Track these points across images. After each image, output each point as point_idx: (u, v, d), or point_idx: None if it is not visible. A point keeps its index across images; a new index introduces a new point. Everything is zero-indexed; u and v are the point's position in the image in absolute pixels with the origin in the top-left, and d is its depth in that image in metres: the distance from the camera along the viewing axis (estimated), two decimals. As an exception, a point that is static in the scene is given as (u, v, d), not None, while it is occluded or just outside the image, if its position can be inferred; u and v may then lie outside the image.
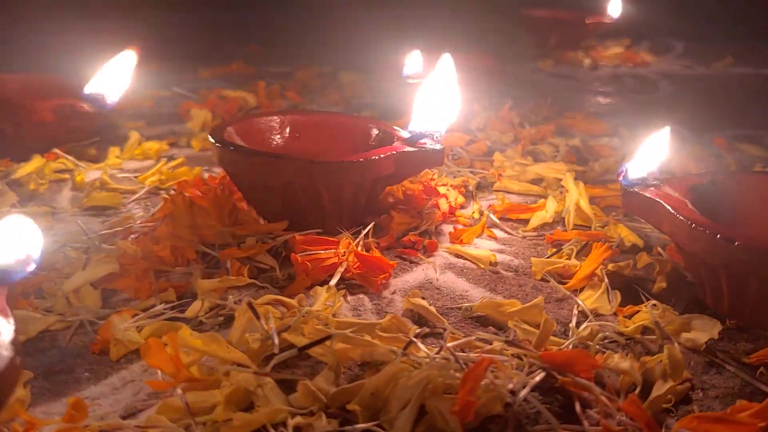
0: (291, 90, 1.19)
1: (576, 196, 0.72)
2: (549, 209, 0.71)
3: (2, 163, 0.80)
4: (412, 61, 0.96)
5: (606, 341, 0.51)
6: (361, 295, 0.56)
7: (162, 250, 0.58)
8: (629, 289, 0.58)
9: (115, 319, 0.48)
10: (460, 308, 0.55)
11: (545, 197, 0.76)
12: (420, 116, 0.65)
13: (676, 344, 0.50)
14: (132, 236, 0.62)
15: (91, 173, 0.80)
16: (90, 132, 0.87)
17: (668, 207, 0.54)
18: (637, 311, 0.54)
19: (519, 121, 1.01)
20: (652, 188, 0.58)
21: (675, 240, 0.55)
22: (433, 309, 0.53)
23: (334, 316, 0.50)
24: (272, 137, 0.72)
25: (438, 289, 0.58)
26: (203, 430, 0.40)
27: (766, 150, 0.98)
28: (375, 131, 0.70)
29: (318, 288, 0.54)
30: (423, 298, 0.55)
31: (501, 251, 0.66)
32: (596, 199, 0.76)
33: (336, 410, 0.41)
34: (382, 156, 0.62)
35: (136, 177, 0.80)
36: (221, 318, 0.52)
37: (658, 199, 0.56)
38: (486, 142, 0.92)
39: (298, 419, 0.40)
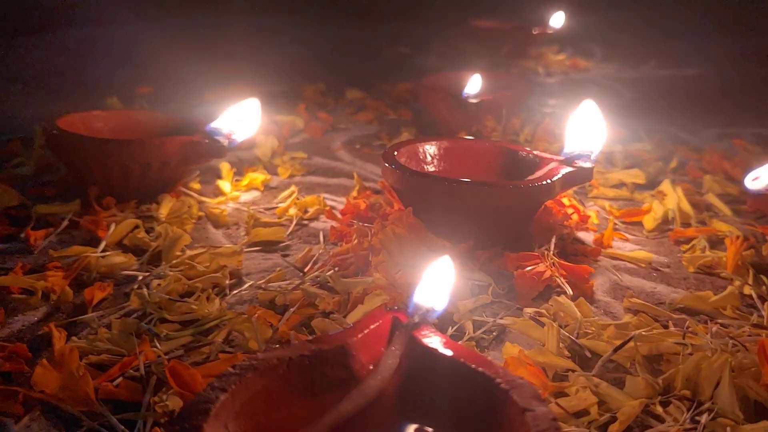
0: (321, 111, 1.23)
1: (676, 198, 0.84)
2: (657, 211, 0.83)
3: (130, 205, 0.79)
4: (474, 82, 1.05)
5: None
6: (581, 299, 0.65)
7: (400, 277, 0.63)
8: (763, 270, 0.71)
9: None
10: (663, 303, 0.65)
11: (631, 200, 0.89)
12: (573, 140, 0.74)
13: None
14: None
15: (216, 207, 0.82)
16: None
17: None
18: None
19: (558, 131, 1.12)
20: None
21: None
22: (652, 305, 0.63)
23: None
24: (431, 163, 0.78)
25: (629, 288, 0.68)
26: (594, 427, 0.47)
27: (763, 145, 1.16)
28: (522, 154, 0.79)
29: (559, 298, 0.62)
30: (626, 296, 0.65)
31: (640, 250, 0.77)
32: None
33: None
34: (550, 181, 0.70)
35: (268, 209, 0.83)
36: (493, 334, 0.59)
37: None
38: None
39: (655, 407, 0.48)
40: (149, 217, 0.77)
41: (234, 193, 0.86)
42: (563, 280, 0.65)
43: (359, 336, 0.43)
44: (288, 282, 0.65)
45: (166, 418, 0.46)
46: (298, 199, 0.84)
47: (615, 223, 0.82)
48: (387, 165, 0.72)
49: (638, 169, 0.98)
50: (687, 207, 0.84)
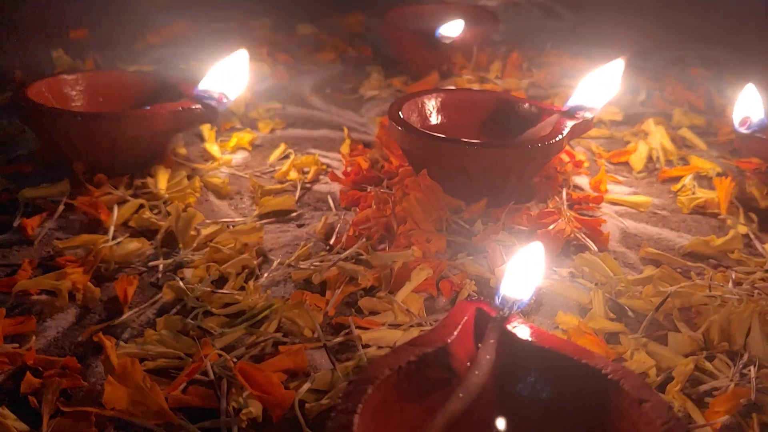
0: (280, 51, 1.19)
1: (659, 137, 0.88)
2: (642, 150, 0.87)
3: (122, 181, 0.75)
4: (452, 25, 1.03)
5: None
6: (605, 254, 0.68)
7: (432, 245, 0.64)
8: (750, 208, 0.76)
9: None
10: (672, 249, 0.69)
11: (612, 138, 0.92)
12: (580, 93, 0.76)
13: None
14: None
15: (215, 175, 0.79)
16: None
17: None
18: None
19: (526, 65, 1.13)
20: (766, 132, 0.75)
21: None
22: (667, 254, 0.67)
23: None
24: (433, 116, 0.78)
25: (636, 235, 0.72)
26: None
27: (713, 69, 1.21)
28: (523, 106, 0.79)
29: (585, 255, 0.64)
30: (638, 246, 0.69)
31: (636, 193, 0.80)
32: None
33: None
34: (561, 137, 0.71)
35: (265, 173, 0.81)
36: (533, 298, 0.61)
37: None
38: (522, 92, 1.03)
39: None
40: (147, 193, 0.74)
41: (226, 157, 0.83)
42: (584, 236, 0.68)
43: (455, 333, 0.44)
44: (319, 259, 0.64)
45: (247, 423, 0.46)
46: (295, 158, 0.82)
47: (605, 166, 0.85)
48: (398, 127, 0.71)
49: (611, 104, 1.00)
50: (669, 145, 0.88)
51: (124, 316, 0.57)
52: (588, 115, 0.75)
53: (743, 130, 0.76)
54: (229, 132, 0.91)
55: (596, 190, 0.80)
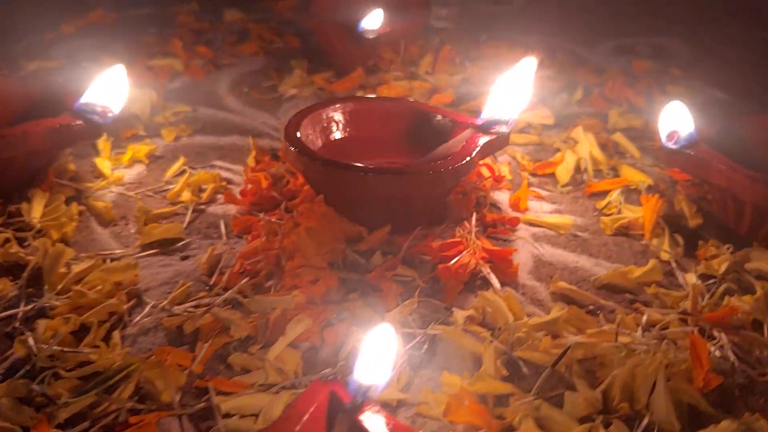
0: (200, 43, 1.11)
1: (588, 146, 0.82)
2: (569, 161, 0.81)
3: (-7, 206, 0.68)
4: (374, 16, 0.96)
5: (706, 284, 0.64)
6: (507, 288, 0.62)
7: (318, 287, 0.58)
8: (677, 227, 0.71)
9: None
10: (587, 280, 0.64)
11: (541, 144, 0.86)
12: (493, 105, 0.69)
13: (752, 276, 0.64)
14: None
15: (101, 197, 0.73)
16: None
17: (723, 166, 0.67)
18: (714, 254, 0.67)
19: (459, 59, 1.07)
20: (693, 147, 0.70)
21: (731, 189, 0.68)
22: (576, 288, 0.62)
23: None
24: (338, 130, 0.72)
25: (551, 264, 0.67)
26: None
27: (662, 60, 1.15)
28: (436, 118, 0.73)
29: (487, 294, 0.59)
30: (550, 277, 0.63)
31: (557, 211, 0.75)
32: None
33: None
34: (470, 158, 0.65)
35: (158, 192, 0.74)
36: (425, 347, 0.55)
37: (710, 159, 0.68)
38: (452, 91, 0.97)
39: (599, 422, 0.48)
40: (20, 221, 0.67)
41: (116, 174, 0.76)
42: (488, 270, 0.62)
43: (298, 428, 0.38)
44: (195, 301, 0.58)
45: None
46: (189, 176, 0.75)
47: (528, 180, 0.79)
48: (292, 149, 0.65)
49: (545, 105, 0.94)
50: (599, 154, 0.82)
51: (-36, 380, 0.51)
52: (504, 129, 0.69)
53: (671, 145, 0.70)
54: (130, 141, 0.85)
55: (515, 208, 0.74)
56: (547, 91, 1.00)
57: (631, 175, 0.79)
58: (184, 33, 1.16)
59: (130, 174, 0.78)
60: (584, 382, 0.51)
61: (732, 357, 0.54)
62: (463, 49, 1.11)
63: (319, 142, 0.71)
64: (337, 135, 0.73)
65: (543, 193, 0.78)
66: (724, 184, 0.68)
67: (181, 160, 0.79)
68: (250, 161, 0.80)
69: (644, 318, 0.57)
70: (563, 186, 0.79)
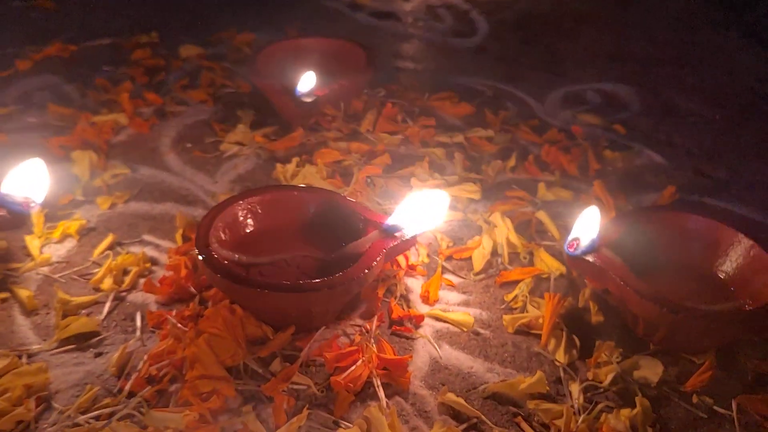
0: (150, 90, 1.12)
1: (505, 231, 0.85)
2: (486, 246, 0.84)
3: None
4: (307, 80, 0.97)
5: (591, 394, 0.67)
6: (397, 398, 0.66)
7: (213, 402, 0.62)
8: (579, 324, 0.74)
9: None
10: (476, 389, 0.68)
11: (465, 220, 0.89)
12: (401, 214, 0.72)
13: (638, 384, 0.68)
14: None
15: (29, 280, 0.76)
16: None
17: (617, 278, 0.70)
18: (604, 361, 0.70)
19: (402, 117, 1.08)
20: (594, 254, 0.73)
21: (623, 299, 0.71)
22: (464, 402, 0.65)
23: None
24: (253, 222, 0.75)
25: (447, 368, 0.70)
26: None
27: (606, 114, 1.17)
28: (350, 211, 0.76)
29: (372, 411, 0.62)
30: (442, 385, 0.67)
31: (466, 302, 0.78)
32: (507, 214, 0.89)
33: None
34: (368, 270, 0.68)
35: (83, 276, 0.78)
36: (306, 466, 0.59)
37: (605, 267, 0.71)
38: (387, 155, 0.99)
39: None
40: (-58, 313, 0.71)
41: (44, 255, 0.79)
42: (379, 383, 0.66)
43: None
44: (99, 410, 0.62)
45: None
46: (114, 259, 0.78)
47: (443, 265, 0.82)
48: (199, 258, 0.68)
49: (479, 172, 0.97)
50: (515, 239, 0.85)
51: None
52: (407, 234, 0.72)
53: (570, 252, 0.73)
54: (66, 207, 0.88)
55: (424, 299, 0.77)
56: (485, 155, 1.02)
57: (545, 262, 0.82)
58: (137, 73, 1.17)
59: (59, 251, 0.81)
60: None
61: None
62: (408, 102, 1.13)
63: (233, 238, 0.74)
64: (251, 227, 0.76)
65: (455, 280, 0.81)
66: (617, 294, 0.71)
67: (110, 237, 0.82)
68: (178, 238, 0.83)
69: None
70: (476, 274, 0.82)
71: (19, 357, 0.67)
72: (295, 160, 0.96)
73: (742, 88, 1.30)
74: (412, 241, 0.73)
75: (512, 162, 1.01)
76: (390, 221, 0.73)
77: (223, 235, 0.73)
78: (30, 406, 0.62)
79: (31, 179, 0.75)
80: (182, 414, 0.60)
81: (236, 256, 0.72)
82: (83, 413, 0.62)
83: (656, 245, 0.79)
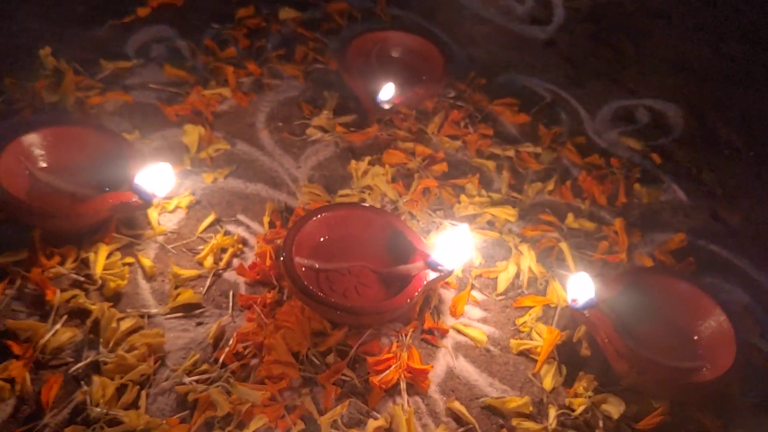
0: (251, 59, 1.29)
1: (528, 260, 1.03)
2: (510, 271, 1.02)
3: (71, 254, 0.94)
4: (388, 90, 1.12)
5: (564, 419, 0.88)
6: (416, 397, 0.88)
7: (281, 384, 0.85)
8: (569, 355, 0.94)
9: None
10: (478, 398, 0.89)
11: (499, 240, 1.07)
12: (442, 251, 0.91)
13: (601, 416, 0.88)
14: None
15: (149, 247, 0.98)
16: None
17: (603, 334, 0.89)
18: (582, 394, 0.90)
19: (465, 122, 1.23)
20: (591, 310, 0.91)
21: (605, 351, 0.90)
22: (465, 410, 0.87)
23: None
24: (325, 233, 0.96)
25: (458, 378, 0.91)
26: None
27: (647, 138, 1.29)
28: (404, 237, 0.95)
29: (396, 409, 0.85)
30: (452, 392, 0.89)
31: (485, 320, 0.98)
32: (535, 239, 1.07)
33: None
34: (410, 299, 0.88)
35: (190, 250, 0.99)
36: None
37: (596, 323, 0.90)
38: (445, 164, 1.15)
39: None
40: (86, 274, 0.93)
41: (161, 227, 1.00)
42: (404, 385, 0.88)
43: None
44: (199, 375, 0.85)
45: None
46: (215, 239, 0.99)
47: (473, 285, 1.01)
48: (284, 270, 0.88)
49: (520, 192, 1.13)
50: (535, 268, 1.03)
51: (45, 419, 0.80)
52: (447, 269, 0.91)
53: (573, 305, 0.91)
54: (178, 175, 1.08)
55: (452, 312, 0.97)
56: (530, 172, 1.18)
57: (556, 292, 1.01)
58: (239, 35, 1.33)
59: (172, 221, 1.02)
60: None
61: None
62: (473, 104, 1.27)
63: (310, 244, 0.94)
64: (326, 236, 0.96)
65: (479, 297, 1.00)
66: (602, 345, 0.90)
67: (212, 216, 1.03)
68: (265, 223, 1.03)
69: None
70: (498, 294, 1.01)
71: (142, 317, 0.90)
72: (366, 158, 1.13)
73: (788, 122, 1.39)
74: (447, 275, 0.92)
75: (551, 186, 1.16)
76: (433, 256, 0.91)
77: (302, 243, 0.92)
78: (150, 363, 0.85)
79: (158, 178, 0.94)
80: (260, 392, 0.83)
81: (307, 261, 0.92)
82: (188, 374, 0.85)
83: (648, 303, 0.97)
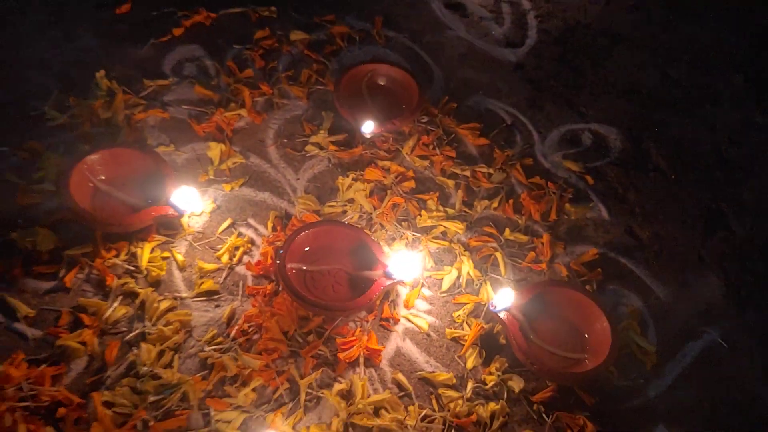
0: (264, 80, 1.58)
1: (468, 267, 1.34)
2: (453, 274, 1.34)
3: (124, 248, 1.27)
4: (369, 125, 1.42)
5: (478, 390, 1.22)
6: (371, 369, 1.22)
7: (274, 355, 1.19)
8: (493, 341, 1.27)
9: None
10: (416, 371, 1.23)
11: (449, 248, 1.38)
12: (396, 265, 1.23)
13: (507, 390, 1.22)
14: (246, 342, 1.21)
15: (181, 245, 1.31)
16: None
17: (511, 333, 1.21)
18: (491, 372, 1.24)
19: (433, 144, 1.53)
20: (505, 312, 1.23)
21: (512, 345, 1.23)
22: (405, 380, 1.21)
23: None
24: (310, 243, 1.27)
25: (404, 355, 1.25)
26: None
27: (586, 161, 1.58)
28: (369, 249, 1.27)
29: (354, 377, 1.18)
30: (398, 366, 1.22)
31: (429, 311, 1.31)
32: (478, 248, 1.38)
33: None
34: (371, 300, 1.21)
35: (211, 248, 1.32)
36: (315, 399, 1.17)
37: (507, 324, 1.22)
38: (413, 181, 1.46)
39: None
40: (135, 265, 1.26)
41: (190, 229, 1.33)
42: (362, 359, 1.21)
43: None
44: (215, 345, 1.19)
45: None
46: (230, 239, 1.32)
47: (423, 283, 1.33)
48: (279, 275, 1.21)
49: (470, 207, 1.44)
50: (473, 274, 1.35)
51: (109, 372, 1.15)
52: (398, 278, 1.23)
53: (492, 309, 1.24)
54: (203, 185, 1.39)
55: (405, 304, 1.30)
56: (481, 189, 1.48)
57: (486, 293, 1.33)
58: (256, 56, 1.61)
59: (198, 223, 1.35)
60: (375, 444, 1.13)
61: (451, 446, 1.15)
62: (443, 127, 1.56)
63: (298, 251, 1.26)
64: (310, 245, 1.28)
65: (428, 294, 1.33)
66: (510, 342, 1.23)
67: (228, 220, 1.35)
68: (269, 227, 1.35)
69: (423, 412, 1.17)
70: (442, 292, 1.33)
71: (175, 299, 1.24)
72: (351, 174, 1.44)
73: (711, 147, 1.66)
74: (400, 282, 1.24)
75: (496, 203, 1.46)
76: (390, 267, 1.23)
77: (294, 252, 1.25)
78: (181, 335, 1.20)
79: (188, 198, 1.26)
80: (258, 360, 1.17)
81: (297, 265, 1.25)
82: (208, 344, 1.20)
83: (552, 308, 1.29)
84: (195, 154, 1.44)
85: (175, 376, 1.15)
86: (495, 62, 1.76)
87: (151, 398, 1.12)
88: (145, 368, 1.15)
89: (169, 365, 1.16)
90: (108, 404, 1.10)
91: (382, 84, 1.57)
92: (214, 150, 1.43)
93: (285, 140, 1.51)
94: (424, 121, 1.57)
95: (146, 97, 1.51)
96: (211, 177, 1.42)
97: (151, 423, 1.09)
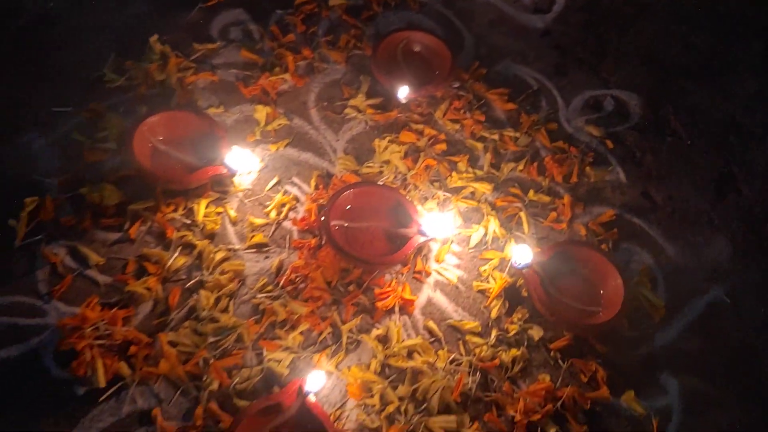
0: (306, 44, 1.67)
1: (494, 225, 1.46)
2: (480, 232, 1.46)
3: (181, 204, 1.40)
4: (403, 91, 1.52)
5: (501, 337, 1.35)
6: (404, 316, 1.35)
7: (318, 302, 1.32)
8: (516, 294, 1.39)
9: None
10: (445, 320, 1.36)
11: (477, 207, 1.50)
12: (429, 221, 1.35)
13: (527, 338, 1.35)
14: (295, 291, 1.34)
15: (233, 201, 1.44)
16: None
17: (532, 287, 1.34)
18: (513, 322, 1.37)
19: (464, 108, 1.62)
20: (528, 270, 1.35)
21: (533, 297, 1.35)
22: (436, 327, 1.34)
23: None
24: (351, 202, 1.39)
25: (434, 305, 1.38)
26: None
27: (607, 126, 1.67)
28: (406, 211, 1.39)
29: (390, 323, 1.32)
30: (429, 314, 1.36)
31: (458, 266, 1.43)
32: (503, 207, 1.50)
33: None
34: (406, 256, 1.33)
35: (260, 204, 1.44)
36: (355, 343, 1.31)
37: (528, 279, 1.35)
38: (444, 144, 1.56)
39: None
40: (192, 220, 1.39)
41: (240, 187, 1.45)
42: (398, 307, 1.35)
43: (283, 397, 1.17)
44: (266, 292, 1.33)
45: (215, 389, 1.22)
46: (278, 197, 1.44)
47: (452, 240, 1.45)
48: (324, 231, 1.33)
49: (497, 170, 1.55)
50: (500, 231, 1.47)
51: (172, 315, 1.29)
52: (431, 236, 1.36)
53: (515, 265, 1.36)
54: (251, 145, 1.51)
55: (437, 259, 1.42)
56: (508, 153, 1.59)
57: (509, 251, 1.45)
58: (297, 20, 1.70)
59: (248, 180, 1.47)
60: (408, 383, 1.27)
61: (474, 385, 1.29)
62: (473, 93, 1.65)
63: (340, 209, 1.38)
64: (351, 204, 1.40)
65: (457, 249, 1.45)
66: (531, 294, 1.36)
67: (275, 178, 1.47)
68: (312, 185, 1.47)
69: (452, 356, 1.31)
70: (470, 248, 1.45)
71: (229, 251, 1.37)
72: (387, 137, 1.55)
73: (726, 115, 1.75)
74: (432, 240, 1.36)
75: (521, 166, 1.57)
76: (424, 226, 1.36)
77: (336, 209, 1.37)
78: (235, 283, 1.33)
79: (241, 158, 1.38)
80: (305, 307, 1.31)
81: (339, 222, 1.37)
82: (260, 292, 1.33)
83: (570, 265, 1.41)
84: (243, 116, 1.55)
85: (231, 320, 1.29)
86: (522, 28, 1.84)
87: (210, 339, 1.26)
88: (205, 312, 1.29)
89: (225, 310, 1.30)
90: (172, 344, 1.25)
91: (417, 50, 1.66)
92: (261, 112, 1.54)
93: (325, 103, 1.61)
94: (455, 86, 1.67)
95: (196, 60, 1.61)
96: (258, 138, 1.53)
97: (211, 361, 1.23)
